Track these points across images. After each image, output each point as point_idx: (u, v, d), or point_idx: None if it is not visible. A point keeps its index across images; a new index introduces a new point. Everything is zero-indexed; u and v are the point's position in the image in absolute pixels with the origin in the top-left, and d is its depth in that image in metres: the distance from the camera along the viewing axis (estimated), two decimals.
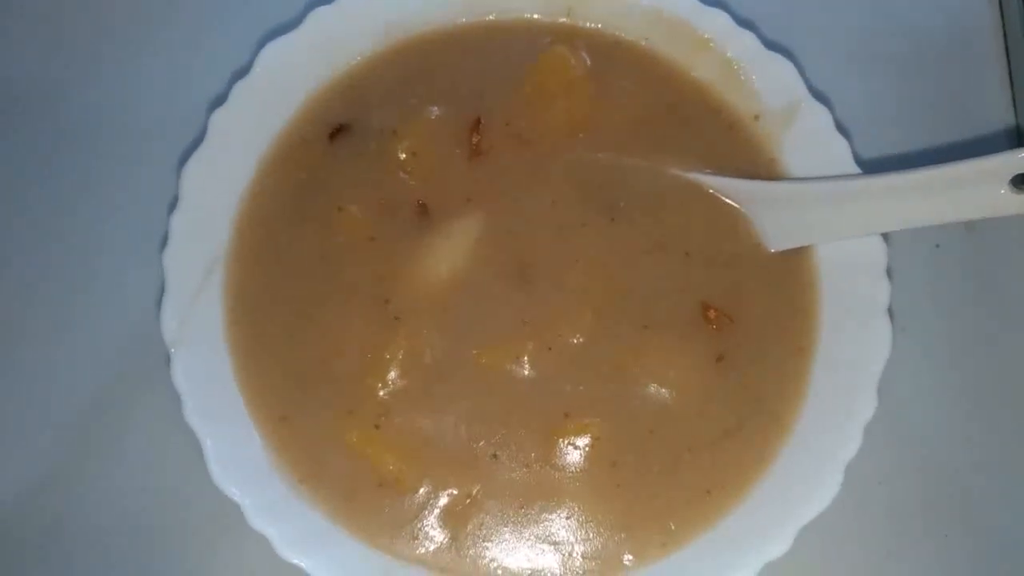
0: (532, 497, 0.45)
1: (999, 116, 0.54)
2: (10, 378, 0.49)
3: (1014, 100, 0.54)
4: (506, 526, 0.45)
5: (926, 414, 0.49)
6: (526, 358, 0.46)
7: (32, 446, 0.48)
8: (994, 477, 0.49)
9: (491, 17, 0.52)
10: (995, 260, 0.52)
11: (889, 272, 0.46)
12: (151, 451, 0.48)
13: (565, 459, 0.45)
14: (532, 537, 0.45)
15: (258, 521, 0.43)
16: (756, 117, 0.50)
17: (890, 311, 0.46)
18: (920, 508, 0.48)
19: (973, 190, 0.43)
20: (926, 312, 0.51)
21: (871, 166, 0.49)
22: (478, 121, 0.49)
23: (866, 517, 0.48)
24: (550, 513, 0.45)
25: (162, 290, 0.46)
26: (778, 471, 0.45)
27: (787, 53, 0.50)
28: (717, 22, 0.50)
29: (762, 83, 0.50)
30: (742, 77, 0.50)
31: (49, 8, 0.55)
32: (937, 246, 0.52)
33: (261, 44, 0.49)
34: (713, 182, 0.49)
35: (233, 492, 0.43)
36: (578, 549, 0.45)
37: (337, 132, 0.50)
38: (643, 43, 0.52)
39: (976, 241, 0.52)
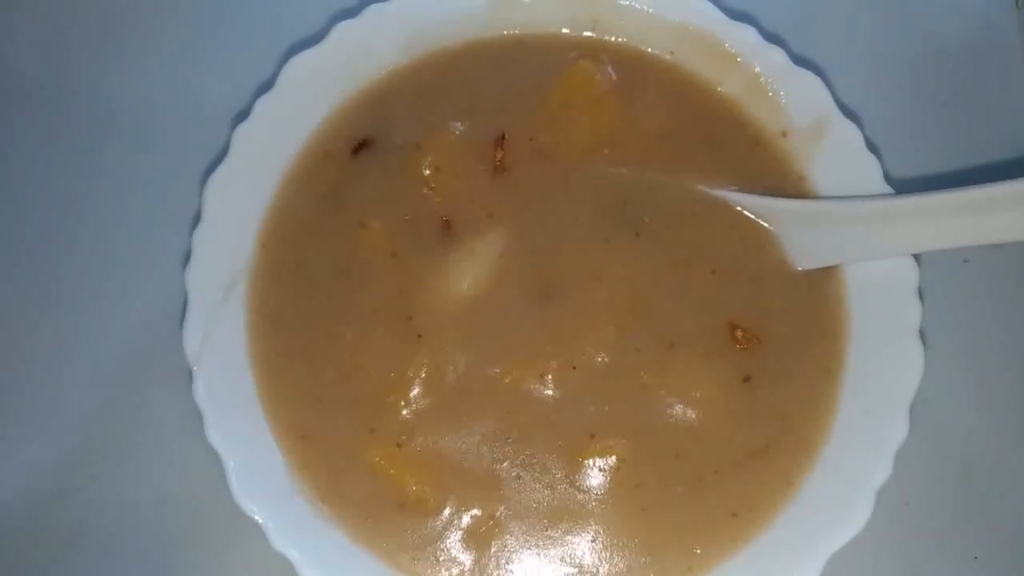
0: (556, 519, 0.45)
1: None
2: (31, 392, 0.49)
3: None
4: (530, 548, 0.44)
5: (955, 434, 0.49)
6: (550, 377, 0.46)
7: (53, 461, 0.48)
8: None
9: (516, 31, 0.51)
10: None
11: (919, 291, 0.46)
12: (172, 468, 0.48)
13: (590, 481, 0.45)
14: (556, 559, 0.44)
15: (280, 542, 0.43)
16: (784, 133, 0.50)
17: (922, 331, 0.45)
18: (950, 530, 0.48)
19: (1007, 212, 0.42)
20: (954, 329, 0.50)
21: (902, 185, 0.48)
22: (502, 136, 0.49)
23: (895, 539, 0.47)
24: (574, 535, 0.45)
25: (184, 306, 0.45)
26: (806, 495, 0.44)
27: (816, 69, 0.50)
28: (744, 37, 0.50)
29: (790, 99, 0.49)
30: (770, 93, 0.50)
31: (72, 21, 0.55)
32: (965, 261, 0.51)
33: (285, 58, 0.49)
34: (740, 199, 0.49)
35: (254, 512, 0.43)
36: (602, 571, 0.44)
37: (360, 147, 0.49)
38: (669, 57, 0.51)
39: (1005, 255, 0.51)
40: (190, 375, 0.45)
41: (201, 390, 0.44)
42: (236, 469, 0.43)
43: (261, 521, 0.43)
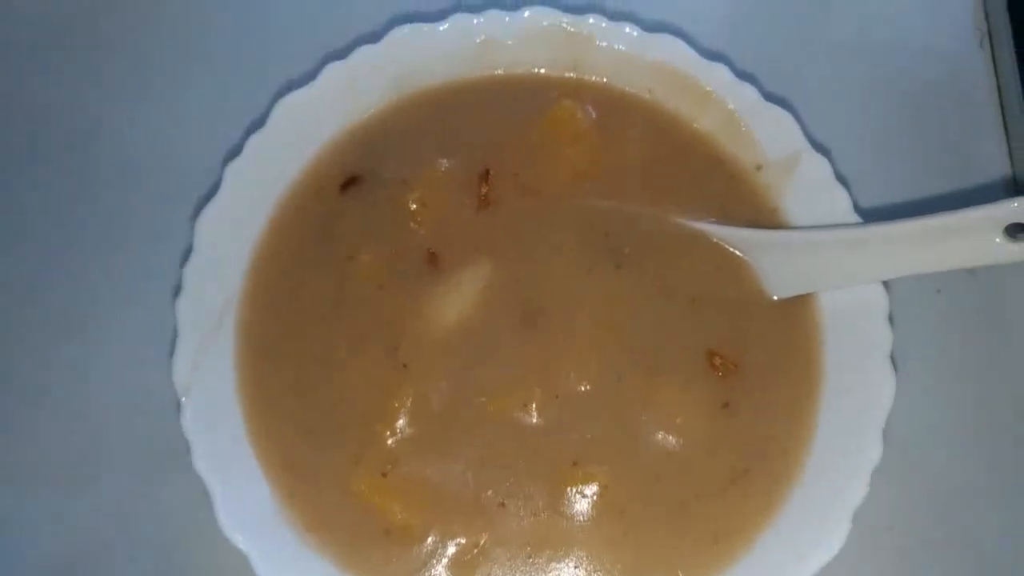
0: (540, 546, 0.45)
1: (995, 166, 0.55)
2: (19, 423, 0.49)
3: (1010, 150, 0.55)
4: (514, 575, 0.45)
5: (933, 458, 0.49)
6: (534, 405, 0.47)
7: (41, 491, 0.48)
8: (1002, 518, 0.49)
9: (500, 71, 0.53)
10: (996, 303, 0.52)
11: (891, 318, 0.47)
12: (160, 499, 0.48)
13: (573, 507, 0.45)
14: None
15: (265, 570, 0.43)
16: (758, 167, 0.51)
17: (893, 356, 0.46)
18: (929, 552, 0.48)
19: (968, 239, 0.43)
20: (930, 356, 0.51)
21: (870, 215, 0.49)
22: (487, 172, 0.50)
23: (875, 563, 0.48)
24: (558, 562, 0.45)
25: (174, 338, 0.46)
26: (785, 518, 0.45)
27: (787, 105, 0.52)
28: (718, 75, 0.51)
29: (763, 134, 0.51)
30: (744, 128, 0.51)
31: (67, 60, 0.56)
32: (938, 291, 0.53)
33: (276, 98, 0.50)
34: (717, 231, 0.50)
35: (240, 541, 0.43)
36: None
37: (349, 183, 0.51)
38: (647, 95, 0.53)
39: (977, 285, 0.53)
40: (178, 407, 0.45)
41: (189, 420, 0.45)
42: (222, 498, 0.44)
43: (246, 550, 0.43)
